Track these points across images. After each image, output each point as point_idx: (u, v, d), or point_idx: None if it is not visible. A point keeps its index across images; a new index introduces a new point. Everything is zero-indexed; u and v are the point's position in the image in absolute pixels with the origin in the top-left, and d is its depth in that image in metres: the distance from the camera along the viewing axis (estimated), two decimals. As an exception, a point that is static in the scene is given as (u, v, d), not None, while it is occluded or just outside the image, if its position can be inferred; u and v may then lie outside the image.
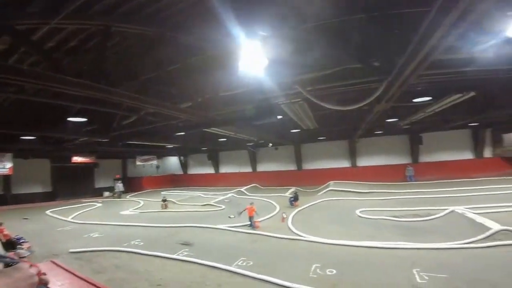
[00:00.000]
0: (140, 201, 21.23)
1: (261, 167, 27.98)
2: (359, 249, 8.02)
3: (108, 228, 12.65)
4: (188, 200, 20.14)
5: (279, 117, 11.04)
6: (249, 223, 11.44)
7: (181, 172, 32.34)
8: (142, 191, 27.48)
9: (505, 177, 18.56)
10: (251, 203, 11.97)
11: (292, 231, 10.55)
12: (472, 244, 7.46)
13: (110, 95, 6.09)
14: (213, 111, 9.43)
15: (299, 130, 16.28)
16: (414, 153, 22.67)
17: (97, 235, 11.51)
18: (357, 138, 21.55)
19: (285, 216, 12.52)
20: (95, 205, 20.30)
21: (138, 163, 28.90)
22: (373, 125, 16.25)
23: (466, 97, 9.18)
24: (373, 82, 6.75)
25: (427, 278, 5.78)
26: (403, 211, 12.60)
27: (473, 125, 19.96)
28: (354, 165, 24.16)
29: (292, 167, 26.45)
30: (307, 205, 15.41)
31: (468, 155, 22.02)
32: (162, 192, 22.68)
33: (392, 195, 16.92)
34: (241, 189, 21.73)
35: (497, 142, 21.51)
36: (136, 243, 9.79)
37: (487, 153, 21.68)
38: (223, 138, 17.81)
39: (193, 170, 31.72)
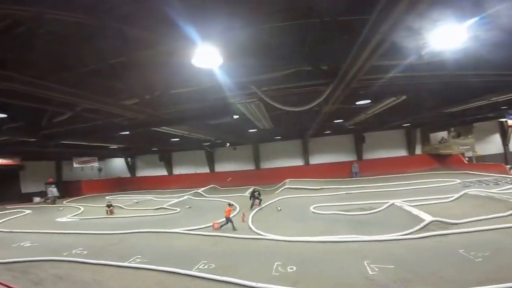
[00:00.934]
0: (80, 207, 19.08)
1: (219, 167, 27.62)
2: (315, 244, 8.40)
3: (42, 236, 11.27)
4: (138, 205, 18.82)
5: (236, 116, 10.99)
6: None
7: (128, 175, 30.22)
8: (82, 196, 24.77)
9: (432, 172, 21.38)
10: (230, 204, 11.98)
11: (253, 231, 10.61)
12: (410, 235, 8.33)
13: (36, 88, 5.36)
14: (162, 109, 8.95)
15: (256, 130, 16.44)
16: (358, 151, 24.80)
17: (28, 244, 10.24)
18: (309, 137, 22.71)
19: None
20: (24, 211, 17.96)
21: (75, 165, 25.99)
22: (323, 126, 17.30)
23: (399, 100, 10.29)
24: (322, 85, 7.14)
25: (377, 269, 6.27)
26: (350, 206, 13.59)
27: (405, 126, 22.62)
28: (307, 163, 25.44)
29: (251, 166, 26.74)
30: (265, 204, 15.68)
31: (402, 153, 24.90)
32: (107, 197, 20.94)
33: (340, 191, 18.17)
34: (198, 191, 21.03)
35: (425, 140, 24.69)
36: (79, 252, 8.90)
37: (418, 150, 24.72)
38: (176, 138, 17.07)
39: (143, 172, 29.91)
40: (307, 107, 8.50)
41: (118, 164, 30.74)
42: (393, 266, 6.30)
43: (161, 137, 15.66)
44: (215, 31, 4.60)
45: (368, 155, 24.96)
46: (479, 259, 6.16)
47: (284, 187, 20.05)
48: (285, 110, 8.80)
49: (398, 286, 5.43)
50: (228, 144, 23.99)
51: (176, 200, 18.19)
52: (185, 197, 19.06)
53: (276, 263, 7.08)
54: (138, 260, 7.85)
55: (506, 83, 8.27)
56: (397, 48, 5.45)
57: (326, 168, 24.52)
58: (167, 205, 16.82)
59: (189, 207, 15.88)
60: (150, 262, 7.43)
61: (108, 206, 16.15)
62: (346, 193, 17.09)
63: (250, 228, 10.94)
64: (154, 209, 16.61)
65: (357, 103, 11.19)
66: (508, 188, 13.68)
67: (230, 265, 7.23)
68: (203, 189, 21.72)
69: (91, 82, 6.89)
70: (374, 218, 11.34)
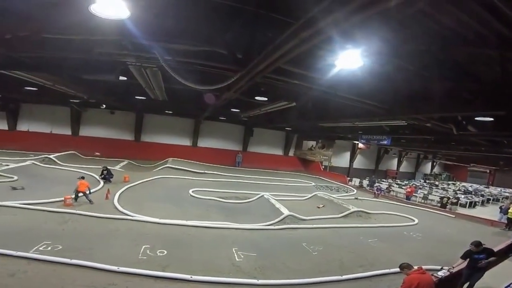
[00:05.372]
0: None
1: (85, 131, 22.61)
2: (189, 228, 8.26)
3: None
4: None
5: (123, 78, 9.38)
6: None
7: None
8: None
9: (296, 173, 25.27)
10: (82, 177, 10.19)
11: (118, 210, 9.42)
12: (270, 226, 9.41)
13: None
14: (24, 52, 6.63)
15: (144, 98, 14.61)
16: (245, 143, 26.39)
17: None
18: (202, 119, 22.28)
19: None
20: None
21: None
22: (219, 111, 17.33)
23: (290, 105, 11.49)
24: (231, 70, 6.99)
25: (242, 257, 6.76)
26: (228, 193, 14.28)
27: (287, 129, 25.85)
28: (195, 144, 24.84)
29: (129, 137, 23.46)
30: (140, 181, 14.23)
31: (279, 152, 28.28)
32: None
33: (222, 178, 18.83)
34: (50, 156, 16.55)
35: (298, 145, 29.01)
36: None
37: (291, 152, 28.74)
38: (33, 86, 12.95)
39: None
40: (209, 88, 8.18)
41: None
42: (255, 254, 6.95)
43: (11, 82, 11.37)
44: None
45: (252, 148, 26.97)
46: (315, 253, 7.58)
47: (165, 165, 18.88)
48: (184, 85, 8.13)
49: (258, 273, 6.02)
50: (104, 106, 20.10)
51: (14, 165, 13.85)
52: (29, 162, 14.71)
53: (144, 246, 6.60)
54: None
55: (366, 111, 10.52)
56: (304, 58, 5.92)
57: (213, 153, 24.75)
58: (-1, 169, 12.53)
59: (21, 188, 10.78)
60: None
61: None
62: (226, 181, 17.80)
63: (115, 207, 9.71)
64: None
65: (256, 98, 11.71)
66: (344, 195, 17.84)
67: (83, 247, 6.25)
68: (57, 154, 17.17)
69: None
70: (246, 207, 12.35)
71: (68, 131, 22.06)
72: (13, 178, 11.84)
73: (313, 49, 5.37)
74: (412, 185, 25.72)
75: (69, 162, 17.02)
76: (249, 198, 13.35)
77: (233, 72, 6.89)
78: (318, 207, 13.11)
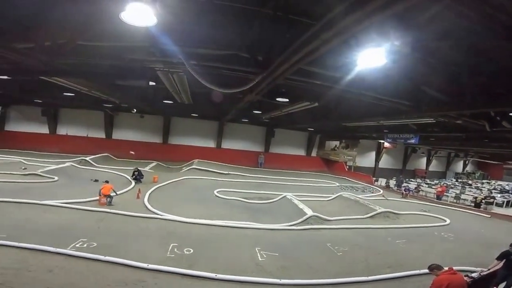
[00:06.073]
0: None
1: (118, 135, 24.16)
2: (214, 228, 8.47)
3: None
4: (1, 167, 14.42)
5: (152, 83, 9.88)
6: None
7: None
8: None
9: (320, 173, 24.96)
10: (106, 181, 10.62)
11: (149, 209, 9.88)
12: (293, 227, 9.37)
13: None
14: (62, 59, 7.24)
15: (172, 102, 15.27)
16: (267, 144, 26.52)
17: None
18: (226, 121, 22.74)
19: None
20: None
21: None
22: (242, 113, 17.63)
23: (312, 106, 11.42)
24: (252, 73, 7.16)
25: (265, 256, 6.81)
26: (251, 194, 14.45)
27: (310, 130, 25.61)
28: (219, 146, 25.42)
29: (157, 139, 24.59)
30: (168, 182, 14.85)
31: (302, 152, 28.05)
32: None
33: (244, 178, 19.08)
34: (86, 158, 17.86)
35: (321, 146, 28.60)
36: None
37: (314, 153, 28.39)
38: (70, 92, 14.01)
39: (15, 126, 23.06)
40: (233, 90, 8.38)
41: (-20, 111, 22.76)
42: (277, 254, 6.97)
43: (51, 88, 12.41)
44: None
45: (274, 149, 27.02)
46: (340, 253, 7.44)
47: (191, 166, 19.50)
48: (208, 89, 8.42)
49: (280, 273, 6.02)
50: (135, 110, 21.25)
51: (55, 167, 15.02)
52: (68, 164, 15.93)
53: (172, 244, 6.84)
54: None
55: (393, 110, 10.23)
56: (326, 59, 5.92)
57: (236, 154, 25.18)
58: (41, 171, 13.61)
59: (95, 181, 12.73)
60: (9, 238, 6.09)
61: None
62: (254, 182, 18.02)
63: (146, 206, 10.19)
64: (23, 174, 13.18)
65: (277, 99, 11.79)
66: (370, 196, 17.32)
67: (117, 245, 6.56)
68: (92, 156, 18.52)
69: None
70: (269, 207, 12.41)
71: (102, 134, 23.67)
72: (54, 178, 12.86)
73: (335, 48, 5.37)
74: (443, 184, 24.35)
75: (103, 163, 18.29)
76: (271, 199, 13.42)
77: (254, 75, 7.05)
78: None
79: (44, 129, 23.02)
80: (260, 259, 6.67)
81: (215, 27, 5.61)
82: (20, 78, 10.52)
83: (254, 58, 6.33)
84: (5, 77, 10.25)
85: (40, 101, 19.63)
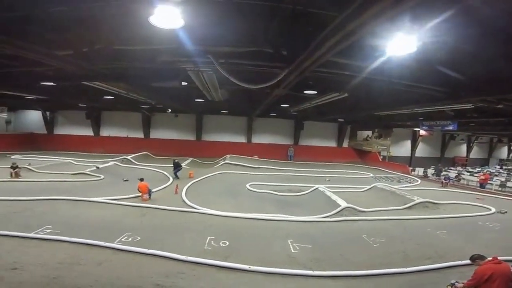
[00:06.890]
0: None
1: (155, 134, 25.71)
2: (248, 220, 8.73)
3: None
4: (53, 168, 16.12)
5: (184, 83, 10.32)
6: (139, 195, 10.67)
7: (44, 132, 25.38)
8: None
9: (352, 164, 24.26)
10: (141, 179, 11.11)
11: (186, 204, 10.40)
12: (327, 219, 9.31)
13: None
14: (100, 64, 7.79)
15: (203, 100, 15.79)
16: (296, 136, 26.37)
17: None
18: (255, 116, 22.99)
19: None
20: None
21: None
22: (270, 107, 17.70)
23: (341, 96, 11.12)
24: (278, 68, 7.19)
25: (298, 248, 6.88)
26: (282, 186, 14.55)
27: (340, 121, 24.91)
28: (249, 141, 25.87)
29: (191, 137, 25.72)
30: (203, 177, 15.50)
31: (332, 144, 27.45)
32: (12, 156, 17.69)
33: (275, 172, 19.24)
34: (128, 157, 19.35)
35: (352, 136, 27.71)
36: (-32, 220, 7.35)
37: (345, 144, 27.62)
38: (110, 95, 15.16)
39: (63, 130, 25.71)
40: (260, 86, 8.48)
41: (33, 118, 25.48)
42: (310, 246, 6.99)
43: (92, 92, 13.57)
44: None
45: (304, 141, 26.76)
46: (377, 245, 7.26)
47: (224, 162, 20.11)
48: (237, 85, 8.61)
49: (313, 265, 6.05)
50: (169, 110, 22.39)
51: (100, 166, 16.45)
52: (111, 163, 17.37)
53: (209, 237, 7.14)
54: (48, 231, 6.92)
55: (427, 96, 9.68)
56: (353, 49, 5.77)
57: (266, 148, 25.42)
58: (89, 171, 15.04)
59: (126, 180, 13.94)
60: (63, 234, 6.65)
61: (13, 167, 13.48)
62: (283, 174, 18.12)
63: (184, 201, 10.74)
64: (72, 174, 14.63)
65: (305, 92, 11.66)
66: (407, 186, 16.54)
67: (158, 238, 6.97)
68: (133, 155, 19.98)
69: (16, 28, 5.43)
70: (300, 200, 12.39)
71: (140, 134, 25.37)
72: (100, 177, 14.09)
73: (361, 38, 5.21)
74: (486, 172, 22.47)
75: (143, 161, 19.67)
76: (303, 191, 13.39)
77: (280, 69, 7.09)
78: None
79: (89, 132, 25.23)
80: (292, 251, 6.74)
81: (237, 25, 5.68)
82: (63, 84, 11.50)
83: (278, 53, 6.36)
84: (51, 83, 11.18)
85: (84, 105, 21.44)
